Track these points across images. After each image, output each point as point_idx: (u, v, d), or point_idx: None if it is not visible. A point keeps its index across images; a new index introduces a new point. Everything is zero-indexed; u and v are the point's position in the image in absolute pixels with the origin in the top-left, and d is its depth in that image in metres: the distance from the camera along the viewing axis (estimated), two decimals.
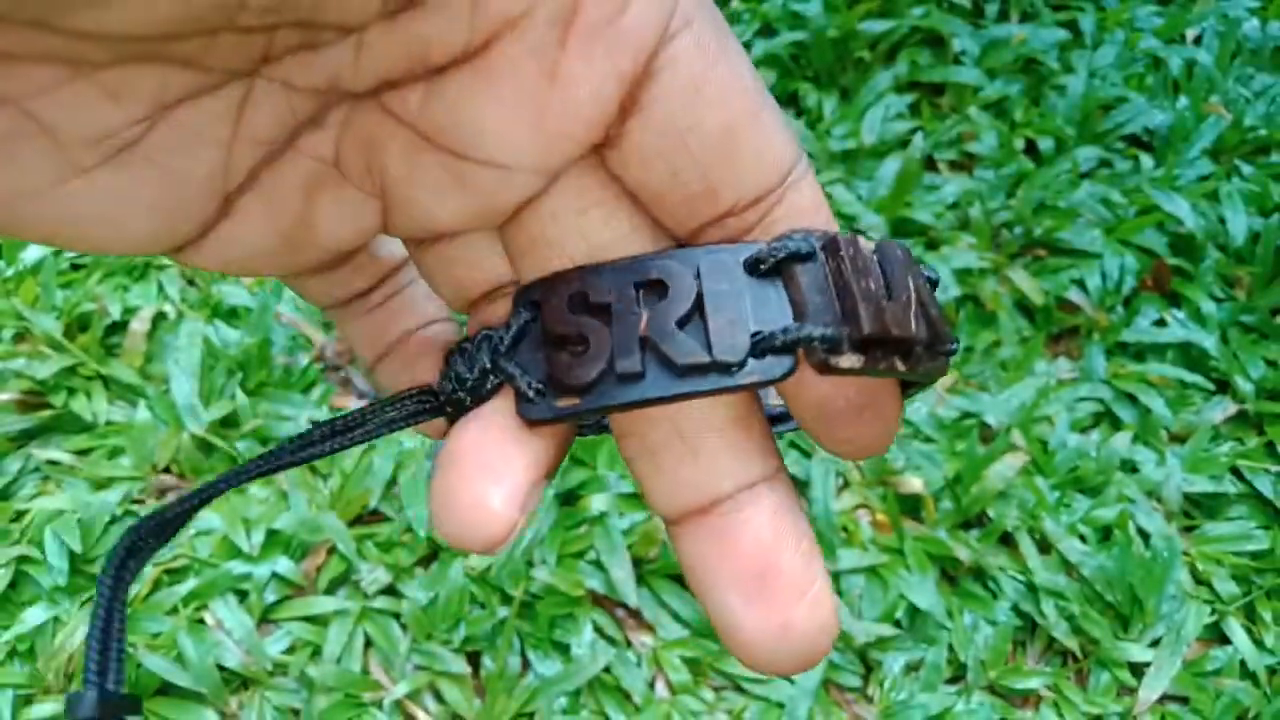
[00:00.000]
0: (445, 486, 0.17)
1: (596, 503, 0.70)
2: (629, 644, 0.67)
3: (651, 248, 0.17)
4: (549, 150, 0.16)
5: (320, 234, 0.18)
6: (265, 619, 0.67)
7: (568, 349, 0.17)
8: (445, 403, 0.19)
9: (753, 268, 0.16)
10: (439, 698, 0.65)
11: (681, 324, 0.16)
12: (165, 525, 0.21)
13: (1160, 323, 0.84)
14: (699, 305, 0.16)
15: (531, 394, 0.17)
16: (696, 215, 0.17)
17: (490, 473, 0.17)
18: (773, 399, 0.20)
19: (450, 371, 0.18)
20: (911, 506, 0.74)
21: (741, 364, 0.16)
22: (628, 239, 0.17)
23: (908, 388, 0.18)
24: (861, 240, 0.17)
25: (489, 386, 0.18)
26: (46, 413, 0.73)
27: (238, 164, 0.16)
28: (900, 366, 0.16)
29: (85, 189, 0.15)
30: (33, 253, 0.80)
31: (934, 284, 0.18)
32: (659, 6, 0.15)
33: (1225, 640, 0.71)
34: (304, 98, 0.16)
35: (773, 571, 0.17)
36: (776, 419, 0.20)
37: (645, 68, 0.15)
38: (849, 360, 0.16)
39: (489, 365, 0.17)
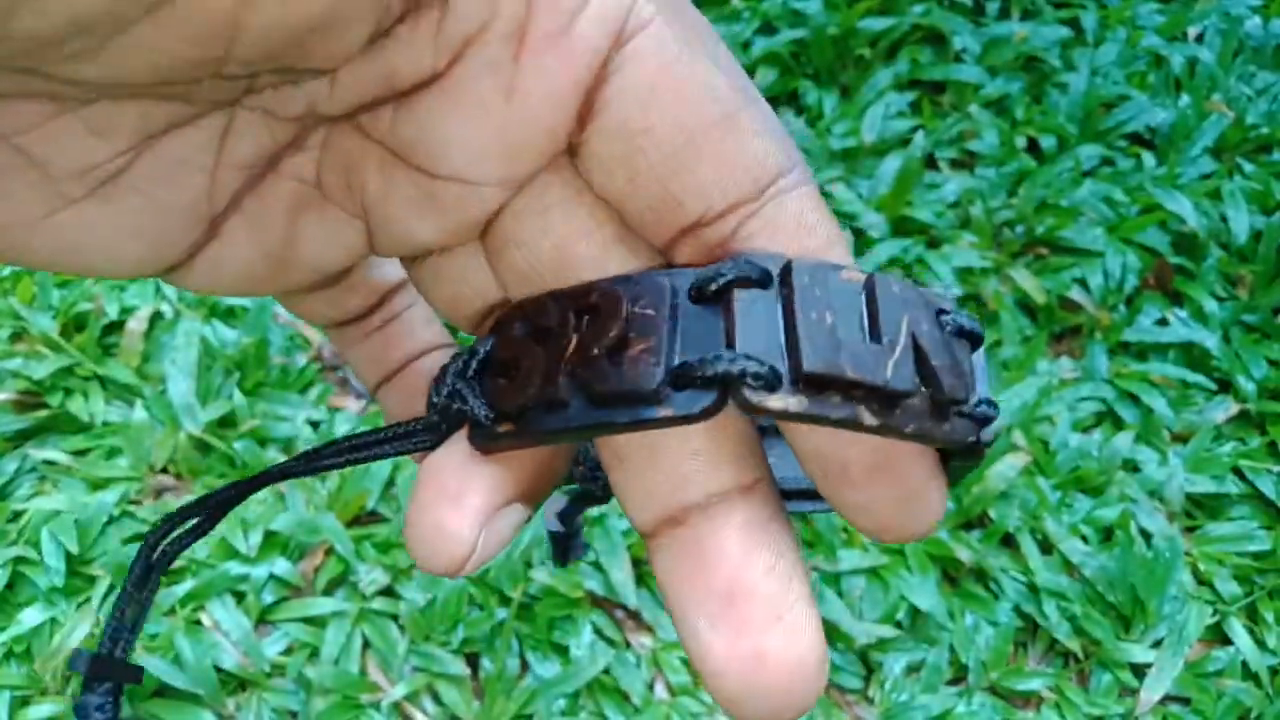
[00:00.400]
0: (410, 510, 0.17)
1: None
2: (628, 645, 0.67)
3: (619, 246, 0.16)
4: (512, 164, 0.16)
5: (306, 255, 0.18)
6: (263, 620, 0.67)
7: (508, 374, 0.16)
8: (430, 428, 0.18)
9: (699, 293, 0.15)
10: (437, 699, 0.64)
11: (611, 351, 0.15)
12: (195, 517, 0.22)
13: (1162, 322, 0.84)
14: (624, 332, 0.15)
15: (482, 419, 0.16)
16: (665, 224, 0.16)
17: (448, 497, 0.16)
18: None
19: (429, 396, 0.18)
20: None
21: (657, 396, 0.14)
22: (591, 235, 0.16)
23: (948, 460, 0.16)
24: (845, 272, 0.15)
25: (455, 410, 0.17)
26: (43, 413, 0.73)
27: (221, 189, 0.16)
28: (869, 420, 0.14)
29: (75, 219, 0.15)
30: None
31: (968, 335, 0.16)
32: (612, 9, 0.15)
33: (1227, 641, 0.70)
34: (284, 124, 0.16)
35: (741, 591, 0.15)
36: (808, 494, 0.19)
37: (599, 73, 0.15)
38: (781, 401, 0.14)
39: (450, 389, 0.17)
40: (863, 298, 0.15)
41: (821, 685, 0.15)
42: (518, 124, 0.15)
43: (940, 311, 0.16)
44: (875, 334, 0.14)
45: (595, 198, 0.16)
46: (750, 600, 0.15)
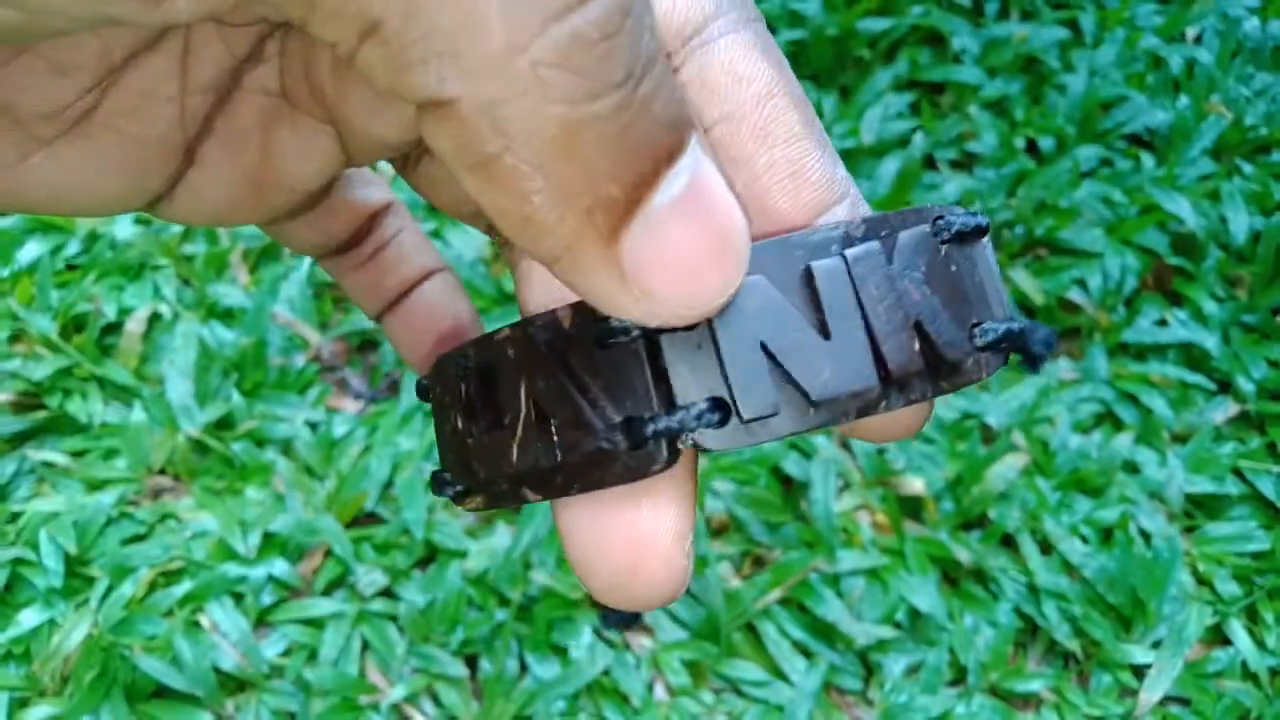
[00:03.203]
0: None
1: None
2: (628, 647, 0.67)
3: None
4: None
5: (285, 171, 0.18)
6: (261, 621, 0.67)
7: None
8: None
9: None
10: (436, 701, 0.64)
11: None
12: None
13: (1162, 323, 0.84)
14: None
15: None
16: None
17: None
18: None
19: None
20: (912, 508, 0.74)
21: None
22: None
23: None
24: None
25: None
26: (42, 414, 0.73)
27: (192, 115, 0.17)
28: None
29: (51, 160, 0.16)
30: (29, 253, 0.80)
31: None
32: None
33: (1227, 641, 0.70)
34: (238, 36, 0.16)
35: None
36: None
37: None
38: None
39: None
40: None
41: (678, 569, 0.15)
42: None
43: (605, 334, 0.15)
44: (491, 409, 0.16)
45: None
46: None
